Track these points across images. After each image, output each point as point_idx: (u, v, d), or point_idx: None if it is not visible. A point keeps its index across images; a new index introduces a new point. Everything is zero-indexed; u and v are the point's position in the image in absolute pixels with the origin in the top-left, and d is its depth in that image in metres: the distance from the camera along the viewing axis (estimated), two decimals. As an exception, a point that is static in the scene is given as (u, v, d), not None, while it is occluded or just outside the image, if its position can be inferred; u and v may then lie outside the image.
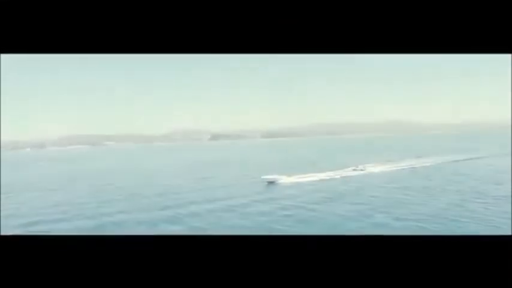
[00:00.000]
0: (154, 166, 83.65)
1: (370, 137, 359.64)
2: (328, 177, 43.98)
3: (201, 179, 50.24)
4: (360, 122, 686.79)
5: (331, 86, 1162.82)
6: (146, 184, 47.14)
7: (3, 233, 18.74)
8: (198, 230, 23.20)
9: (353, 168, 49.20)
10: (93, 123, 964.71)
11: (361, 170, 47.92)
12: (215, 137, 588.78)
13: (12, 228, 24.59)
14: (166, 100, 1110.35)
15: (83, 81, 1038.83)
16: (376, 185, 38.05)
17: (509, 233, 17.57)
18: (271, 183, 41.44)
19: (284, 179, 42.26)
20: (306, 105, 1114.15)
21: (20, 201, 37.66)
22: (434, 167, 51.69)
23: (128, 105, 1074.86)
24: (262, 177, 43.22)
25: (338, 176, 44.51)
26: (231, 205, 30.44)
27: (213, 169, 65.90)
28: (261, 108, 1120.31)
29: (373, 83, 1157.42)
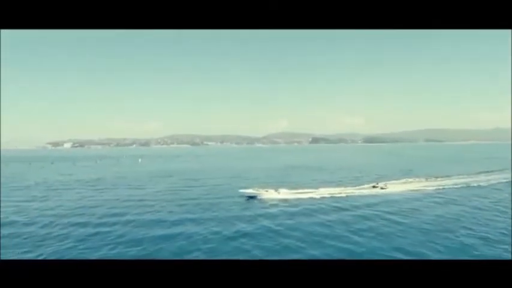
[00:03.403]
0: (248, 167, 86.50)
1: (474, 144, 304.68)
2: (322, 196, 36.19)
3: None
4: (465, 128, 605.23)
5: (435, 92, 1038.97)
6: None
7: (4, 257, 18.41)
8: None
9: (372, 185, 42.80)
10: (196, 124, 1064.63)
11: (382, 188, 41.03)
12: (316, 140, 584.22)
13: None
14: (270, 103, 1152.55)
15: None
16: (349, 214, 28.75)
17: (510, 258, 16.88)
18: (251, 198, 35.88)
19: (267, 195, 36.24)
20: (410, 111, 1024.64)
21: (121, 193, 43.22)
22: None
23: (232, 109, 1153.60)
24: (240, 191, 37.52)
25: (344, 195, 36.94)
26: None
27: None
28: (366, 112, 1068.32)
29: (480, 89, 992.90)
